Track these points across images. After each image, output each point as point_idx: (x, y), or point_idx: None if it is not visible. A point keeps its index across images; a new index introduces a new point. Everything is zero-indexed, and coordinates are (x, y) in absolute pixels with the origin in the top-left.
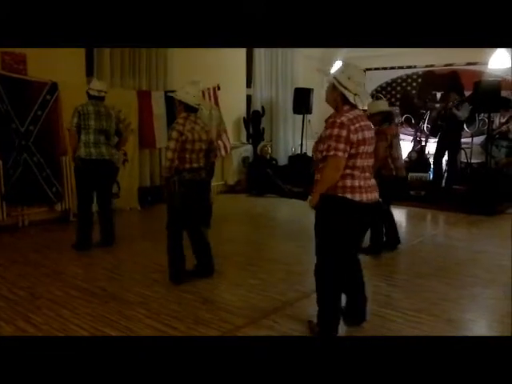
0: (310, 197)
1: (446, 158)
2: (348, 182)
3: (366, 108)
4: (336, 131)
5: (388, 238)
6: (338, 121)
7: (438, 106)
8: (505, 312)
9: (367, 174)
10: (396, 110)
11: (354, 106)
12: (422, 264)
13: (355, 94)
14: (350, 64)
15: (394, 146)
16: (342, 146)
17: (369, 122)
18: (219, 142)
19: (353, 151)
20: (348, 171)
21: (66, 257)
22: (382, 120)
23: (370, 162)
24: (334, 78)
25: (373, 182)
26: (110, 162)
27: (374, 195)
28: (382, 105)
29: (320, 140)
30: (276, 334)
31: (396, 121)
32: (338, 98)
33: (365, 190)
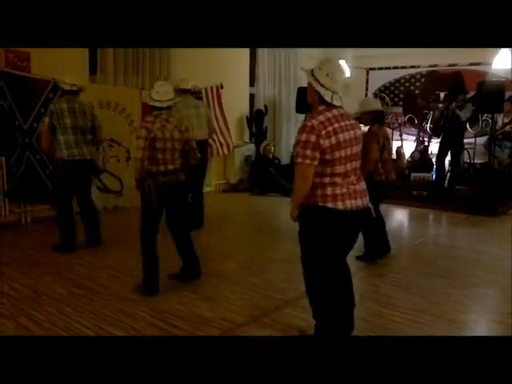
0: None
1: (448, 158)
2: (328, 191)
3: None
4: (304, 137)
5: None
6: (309, 124)
7: (440, 106)
8: (506, 313)
9: (352, 179)
10: (399, 110)
11: (331, 106)
12: (423, 264)
13: (333, 92)
14: (329, 59)
15: (385, 148)
16: (309, 152)
17: (351, 122)
18: (216, 140)
19: (328, 157)
20: (327, 179)
21: (69, 254)
22: (372, 120)
23: (356, 164)
24: (312, 74)
25: (360, 186)
26: (92, 161)
27: (361, 201)
28: (374, 103)
29: (296, 143)
30: (276, 333)
31: (399, 121)
32: (316, 96)
33: (348, 196)
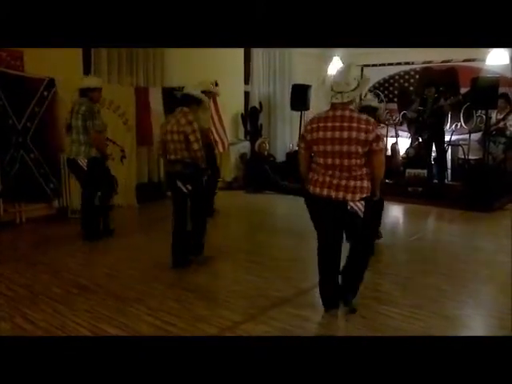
0: None
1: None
2: (310, 175)
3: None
4: (302, 129)
5: None
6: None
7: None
8: (502, 308)
9: (335, 173)
10: (394, 106)
11: (335, 105)
12: (419, 260)
13: (337, 92)
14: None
15: None
16: (300, 142)
17: (346, 124)
18: (211, 138)
19: (314, 149)
20: (314, 167)
21: (64, 253)
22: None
23: (343, 161)
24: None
25: (344, 182)
26: (75, 161)
27: (335, 193)
28: (366, 101)
29: None
30: (273, 331)
31: (394, 117)
32: None
33: (322, 184)
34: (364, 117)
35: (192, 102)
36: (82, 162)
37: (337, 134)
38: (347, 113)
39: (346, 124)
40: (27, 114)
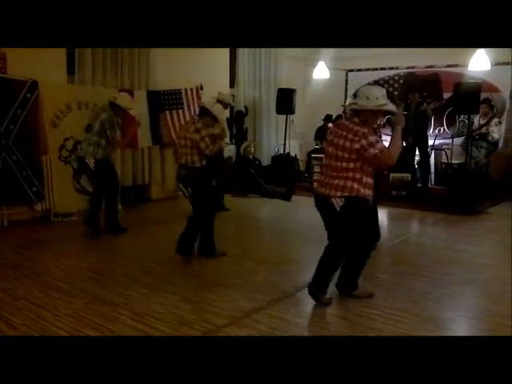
0: None
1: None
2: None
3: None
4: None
5: None
6: None
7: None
8: (485, 310)
9: (330, 173)
10: None
11: (347, 117)
12: (403, 263)
13: (347, 107)
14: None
15: None
16: None
17: (346, 133)
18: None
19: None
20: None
21: (47, 257)
22: None
23: (332, 163)
24: None
25: (337, 181)
26: (83, 159)
27: (327, 190)
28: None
29: None
30: (258, 334)
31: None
32: None
33: (320, 184)
34: (356, 128)
35: (206, 114)
36: (89, 161)
37: (335, 139)
38: (347, 122)
39: (345, 133)
40: (9, 116)
